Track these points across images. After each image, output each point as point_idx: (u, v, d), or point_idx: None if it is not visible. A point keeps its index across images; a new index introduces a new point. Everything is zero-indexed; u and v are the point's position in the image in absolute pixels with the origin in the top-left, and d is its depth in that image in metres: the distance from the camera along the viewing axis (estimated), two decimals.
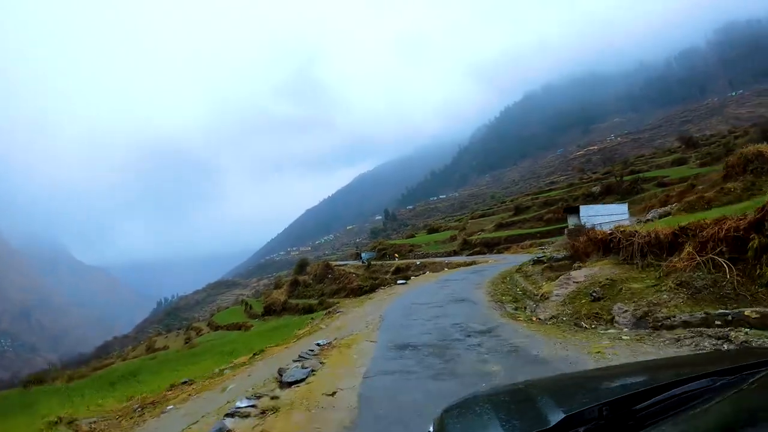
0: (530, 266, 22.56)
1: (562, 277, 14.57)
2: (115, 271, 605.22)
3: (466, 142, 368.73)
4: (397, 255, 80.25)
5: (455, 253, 70.89)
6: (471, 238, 73.38)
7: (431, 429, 2.01)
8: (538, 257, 23.57)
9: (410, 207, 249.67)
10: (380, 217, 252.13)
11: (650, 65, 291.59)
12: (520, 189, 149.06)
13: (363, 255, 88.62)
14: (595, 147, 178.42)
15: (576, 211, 37.34)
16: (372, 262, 75.44)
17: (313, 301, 62.89)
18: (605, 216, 34.47)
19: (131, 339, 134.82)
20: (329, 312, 22.96)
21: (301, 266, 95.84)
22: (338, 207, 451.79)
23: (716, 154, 71.32)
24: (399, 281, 28.55)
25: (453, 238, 79.58)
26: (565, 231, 36.35)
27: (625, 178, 74.78)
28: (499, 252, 63.77)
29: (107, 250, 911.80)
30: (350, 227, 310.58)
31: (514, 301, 15.86)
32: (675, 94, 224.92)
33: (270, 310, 71.80)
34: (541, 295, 14.40)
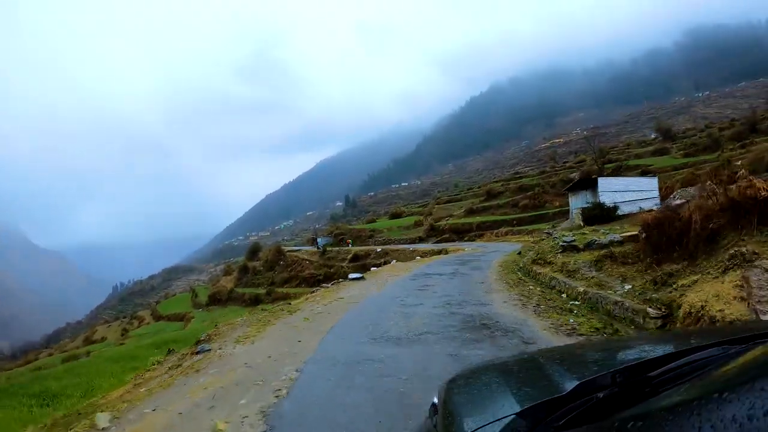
0: (561, 255, 14.75)
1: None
2: (71, 254, 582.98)
3: (430, 131, 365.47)
4: (349, 241, 73.73)
5: (421, 240, 64.03)
6: (439, 224, 65.96)
7: (436, 400, 1.95)
8: (568, 242, 15.50)
9: (371, 194, 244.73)
10: (341, 204, 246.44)
11: (616, 63, 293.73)
12: (484, 178, 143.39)
13: (319, 240, 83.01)
14: (561, 140, 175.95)
15: (587, 186, 29.55)
16: (328, 248, 69.75)
17: (261, 291, 58.71)
18: (633, 192, 26.93)
19: (84, 326, 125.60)
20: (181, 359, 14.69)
21: (253, 252, 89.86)
22: (299, 192, 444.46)
23: (702, 144, 68.12)
24: (351, 275, 19.59)
25: (418, 224, 71.95)
26: (575, 212, 28.61)
27: (606, 165, 68.37)
28: (471, 240, 56.69)
29: (63, 233, 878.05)
30: (310, 213, 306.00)
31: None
32: (639, 93, 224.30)
33: (215, 299, 66.16)
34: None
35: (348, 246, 70.98)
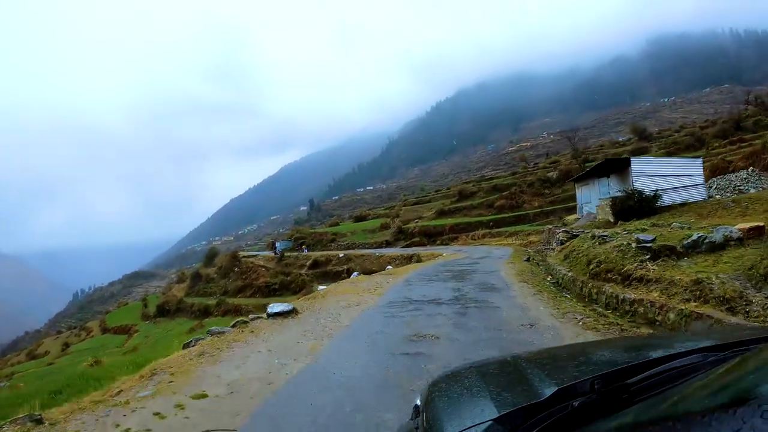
0: (653, 264, 8.24)
1: None
2: (32, 259, 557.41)
3: (396, 135, 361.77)
4: (304, 247, 67.82)
5: (388, 244, 57.87)
6: (408, 226, 59.57)
7: (419, 402, 1.98)
8: (647, 241, 9.08)
9: (336, 198, 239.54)
10: (305, 208, 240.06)
11: (581, 70, 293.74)
12: (451, 182, 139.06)
13: (278, 245, 76.22)
14: (528, 144, 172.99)
15: (610, 171, 23.36)
16: (286, 254, 64.75)
17: (211, 301, 53.85)
18: (676, 178, 20.83)
19: (43, 335, 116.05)
20: None
21: (210, 257, 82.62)
22: (264, 196, 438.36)
23: (684, 143, 64.06)
24: (273, 307, 10.56)
25: (384, 227, 65.56)
26: (598, 204, 22.18)
27: (587, 164, 63.26)
28: (445, 243, 50.59)
29: (23, 237, 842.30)
30: (274, 217, 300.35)
31: None
32: (605, 98, 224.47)
33: (163, 310, 60.83)
34: None
35: (303, 251, 64.86)
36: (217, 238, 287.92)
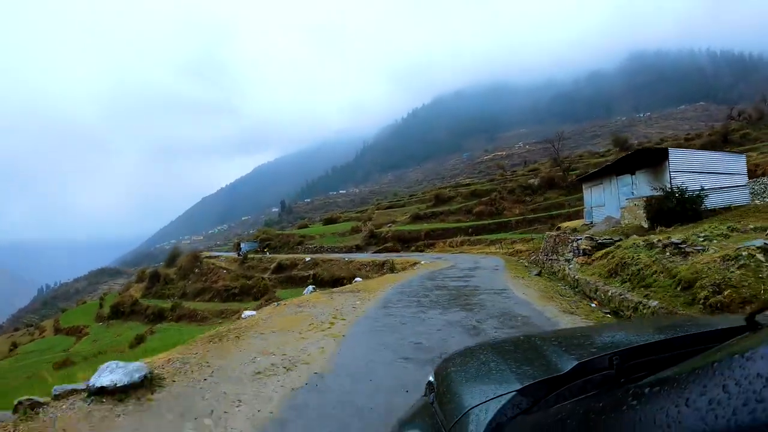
0: None
1: None
2: None
3: (371, 140, 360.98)
4: (267, 250, 65.08)
5: (358, 249, 53.81)
6: (380, 230, 55.50)
7: (432, 378, 1.97)
8: None
9: (308, 200, 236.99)
10: (277, 209, 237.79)
11: (559, 83, 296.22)
12: (425, 188, 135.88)
13: (243, 246, 72.11)
14: (503, 153, 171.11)
15: (636, 167, 19.21)
16: (250, 256, 61.07)
17: (167, 304, 50.75)
18: (719, 176, 17.04)
19: (3, 331, 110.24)
20: None
21: (173, 257, 78.57)
22: (236, 197, 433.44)
23: None
24: (103, 375, 4.98)
25: (355, 230, 61.36)
26: (624, 206, 17.93)
27: (571, 171, 60.29)
28: (420, 250, 46.67)
29: None
30: (246, 218, 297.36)
31: None
32: (581, 111, 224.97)
33: (117, 312, 56.50)
34: None
35: (266, 254, 60.72)
36: (186, 237, 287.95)
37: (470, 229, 48.52)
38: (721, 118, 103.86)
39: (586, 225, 22.16)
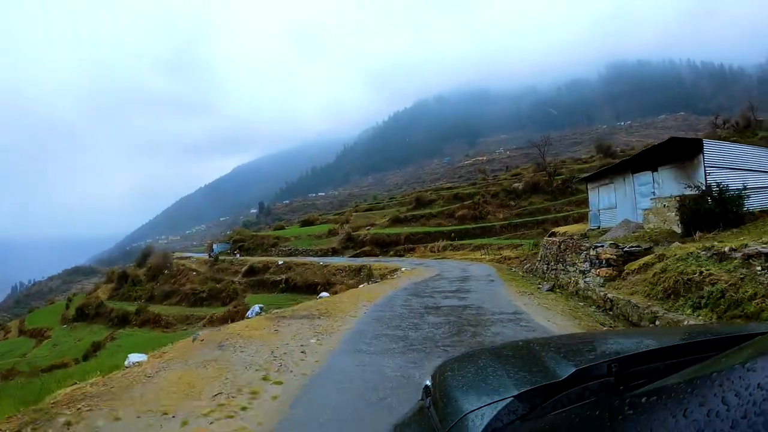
0: None
1: None
2: None
3: (352, 142, 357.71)
4: (237, 252, 62.74)
5: (334, 252, 50.98)
6: (358, 233, 52.62)
7: (428, 382, 1.92)
8: None
9: (287, 202, 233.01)
10: (255, 210, 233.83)
11: (540, 90, 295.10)
12: (405, 192, 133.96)
13: (215, 247, 70.64)
14: (484, 158, 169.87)
15: (661, 162, 16.09)
16: (221, 257, 59.77)
17: (132, 308, 48.50)
18: (759, 174, 14.36)
19: None
20: None
21: (144, 257, 74.53)
22: (214, 197, 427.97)
23: None
24: None
25: (332, 233, 58.38)
26: (647, 208, 14.61)
27: (557, 177, 58.17)
28: (399, 255, 43.89)
29: None
30: (224, 218, 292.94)
31: None
32: (562, 119, 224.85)
33: (83, 314, 54.49)
34: None
35: (237, 256, 57.97)
36: (164, 237, 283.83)
37: (452, 234, 45.96)
38: (702, 127, 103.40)
39: (594, 230, 19.49)
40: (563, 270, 14.65)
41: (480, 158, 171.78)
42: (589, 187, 22.30)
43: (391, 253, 45.36)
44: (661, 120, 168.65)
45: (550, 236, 25.57)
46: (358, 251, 47.96)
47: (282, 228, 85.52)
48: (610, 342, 2.00)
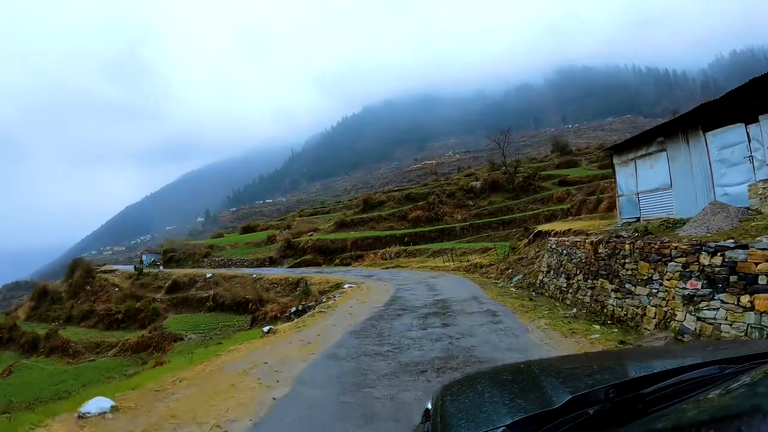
0: None
1: None
2: None
3: (300, 148, 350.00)
4: (160, 263, 55.14)
5: (272, 262, 44.06)
6: (299, 240, 45.69)
7: (429, 406, 1.92)
8: None
9: (233, 209, 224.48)
10: (202, 219, 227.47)
11: (488, 95, 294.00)
12: (353, 196, 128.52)
13: (144, 258, 63.06)
14: (434, 161, 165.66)
15: (743, 111, 8.65)
16: (146, 270, 51.74)
17: (43, 331, 40.83)
18: None
19: None
20: None
21: (72, 271, 65.19)
22: (161, 205, 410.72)
23: None
24: None
25: (271, 240, 51.07)
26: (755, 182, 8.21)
27: (517, 173, 53.07)
28: (346, 263, 37.20)
29: None
30: (170, 227, 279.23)
31: None
32: (510, 122, 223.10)
33: None
34: None
35: (160, 268, 50.52)
36: (108, 247, 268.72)
37: (406, 238, 39.79)
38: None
39: (631, 223, 13.17)
40: (617, 290, 8.47)
41: (429, 162, 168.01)
42: (616, 162, 15.34)
43: (336, 261, 38.80)
44: (609, 122, 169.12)
45: (536, 236, 19.44)
46: (298, 260, 41.21)
47: (221, 236, 78.04)
48: (612, 365, 1.91)
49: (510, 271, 17.54)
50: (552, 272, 12.45)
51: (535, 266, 15.00)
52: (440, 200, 48.39)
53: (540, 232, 19.16)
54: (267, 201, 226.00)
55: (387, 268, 30.95)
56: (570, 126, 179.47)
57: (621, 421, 1.16)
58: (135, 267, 57.14)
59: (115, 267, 69.07)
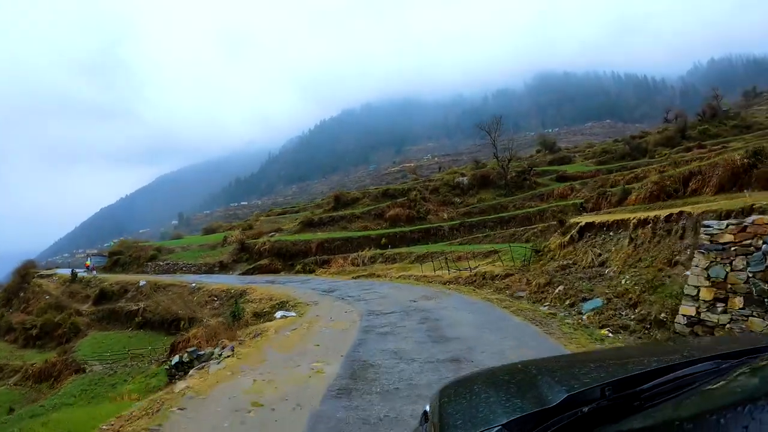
0: None
1: None
2: None
3: (277, 151, 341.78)
4: (88, 264, 49.53)
5: (222, 267, 36.12)
6: (256, 241, 38.11)
7: (428, 408, 1.94)
8: None
9: (207, 212, 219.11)
10: (176, 222, 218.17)
11: (467, 99, 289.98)
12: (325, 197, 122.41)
13: (91, 260, 55.59)
14: (412, 164, 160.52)
15: None
16: (80, 275, 45.19)
17: None
18: None
19: None
20: None
21: (23, 276, 59.41)
22: (137, 207, 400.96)
23: (621, 151, 55.87)
24: None
25: (226, 242, 43.48)
26: None
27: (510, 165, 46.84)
28: (309, 271, 29.57)
29: None
30: (143, 230, 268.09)
31: None
32: (489, 127, 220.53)
33: None
34: None
35: (93, 273, 43.06)
36: (81, 251, 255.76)
37: (383, 240, 32.45)
38: (630, 134, 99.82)
39: None
40: None
41: (407, 164, 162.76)
42: None
43: (298, 267, 31.43)
44: (588, 127, 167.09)
45: (583, 231, 12.22)
46: (252, 265, 33.79)
47: (180, 237, 70.20)
48: (608, 362, 1.89)
49: (559, 288, 10.43)
50: (744, 300, 5.51)
51: (624, 281, 7.99)
52: (423, 197, 41.33)
53: (591, 224, 12.02)
54: (242, 203, 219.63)
55: (358, 277, 23.68)
56: (550, 130, 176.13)
57: (617, 418, 1.15)
58: (72, 271, 49.33)
59: (58, 271, 60.72)
